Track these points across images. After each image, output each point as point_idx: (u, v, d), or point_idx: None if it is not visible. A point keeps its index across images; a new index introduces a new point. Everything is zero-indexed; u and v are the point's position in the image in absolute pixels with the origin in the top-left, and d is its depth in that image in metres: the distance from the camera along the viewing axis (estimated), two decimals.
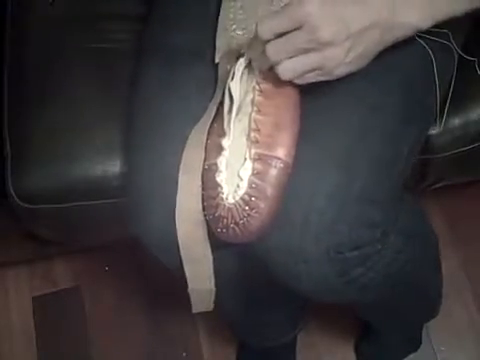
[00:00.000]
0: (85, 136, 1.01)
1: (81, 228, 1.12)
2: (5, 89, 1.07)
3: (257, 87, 0.77)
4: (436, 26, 0.77)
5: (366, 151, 0.81)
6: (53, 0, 1.08)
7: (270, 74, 0.76)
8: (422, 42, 0.82)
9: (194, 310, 0.92)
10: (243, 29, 0.84)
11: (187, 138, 0.83)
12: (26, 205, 1.01)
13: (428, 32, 0.79)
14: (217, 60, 0.85)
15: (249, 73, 0.78)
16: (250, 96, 0.77)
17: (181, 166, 0.82)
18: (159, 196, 0.85)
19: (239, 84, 0.78)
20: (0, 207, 1.08)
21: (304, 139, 0.79)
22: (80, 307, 1.42)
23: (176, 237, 0.83)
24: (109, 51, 1.06)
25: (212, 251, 0.85)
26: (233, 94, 0.78)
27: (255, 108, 0.76)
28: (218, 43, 0.85)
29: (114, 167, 1.00)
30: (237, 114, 0.78)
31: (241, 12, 0.84)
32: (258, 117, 0.76)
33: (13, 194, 1.01)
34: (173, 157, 0.84)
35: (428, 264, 1.11)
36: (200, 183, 0.80)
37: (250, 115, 0.77)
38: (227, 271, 0.94)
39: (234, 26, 0.84)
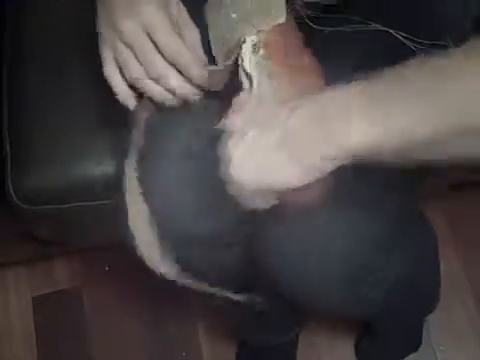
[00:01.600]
0: (85, 137, 1.01)
1: (81, 229, 1.12)
2: (4, 89, 1.07)
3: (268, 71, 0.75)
4: (436, 34, 0.77)
5: (374, 184, 0.80)
6: None
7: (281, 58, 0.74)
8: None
9: None
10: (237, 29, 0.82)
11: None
12: (26, 206, 1.01)
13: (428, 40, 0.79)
14: (221, 67, 0.84)
15: (256, 60, 0.76)
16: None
17: None
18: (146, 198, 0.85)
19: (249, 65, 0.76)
20: (0, 207, 1.08)
21: None
22: (80, 307, 1.42)
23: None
24: None
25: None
26: (250, 72, 0.75)
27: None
28: (214, 51, 0.84)
29: (114, 168, 1.00)
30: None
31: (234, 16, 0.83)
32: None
33: (13, 194, 1.01)
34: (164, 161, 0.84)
35: (428, 264, 1.11)
36: None
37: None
38: (232, 270, 0.94)
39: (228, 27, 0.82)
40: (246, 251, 0.92)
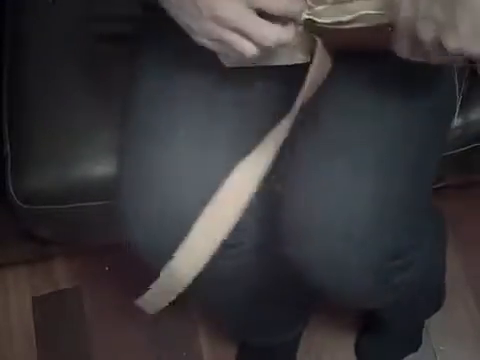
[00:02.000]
0: (85, 137, 1.01)
1: (80, 229, 1.13)
2: (4, 90, 1.07)
3: None
4: None
5: (401, 156, 0.81)
6: (54, 0, 1.08)
7: None
8: None
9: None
10: None
11: (174, 143, 0.84)
12: (25, 206, 1.01)
13: None
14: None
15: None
16: None
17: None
18: (148, 201, 0.85)
19: None
20: (0, 207, 1.08)
21: (338, 151, 0.79)
22: (80, 307, 1.42)
23: (161, 241, 0.84)
24: (109, 53, 1.06)
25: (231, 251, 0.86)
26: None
27: None
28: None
29: (113, 168, 0.99)
30: None
31: None
32: None
33: (13, 194, 1.01)
34: (161, 161, 0.84)
35: (440, 256, 1.11)
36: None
37: None
38: (237, 270, 0.94)
39: None
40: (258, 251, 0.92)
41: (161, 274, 0.86)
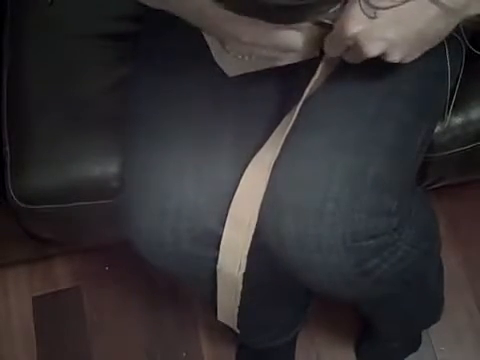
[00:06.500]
0: (84, 136, 1.01)
1: (80, 228, 1.13)
2: (4, 90, 1.07)
3: None
4: None
5: (380, 138, 0.81)
6: (52, 0, 1.08)
7: None
8: None
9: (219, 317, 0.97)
10: None
11: (179, 138, 0.85)
12: (25, 205, 1.01)
13: None
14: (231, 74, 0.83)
15: None
16: None
17: (252, 162, 0.82)
18: (150, 196, 0.86)
19: None
20: (0, 207, 1.08)
21: (318, 129, 0.80)
22: (80, 307, 1.42)
23: (164, 238, 0.84)
24: (108, 52, 1.06)
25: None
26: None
27: None
28: (221, 64, 0.83)
29: (113, 167, 1.00)
30: None
31: None
32: None
33: (12, 194, 1.01)
34: (166, 158, 0.84)
35: (434, 263, 1.10)
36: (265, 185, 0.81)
37: None
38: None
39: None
40: None
41: (218, 275, 0.89)
